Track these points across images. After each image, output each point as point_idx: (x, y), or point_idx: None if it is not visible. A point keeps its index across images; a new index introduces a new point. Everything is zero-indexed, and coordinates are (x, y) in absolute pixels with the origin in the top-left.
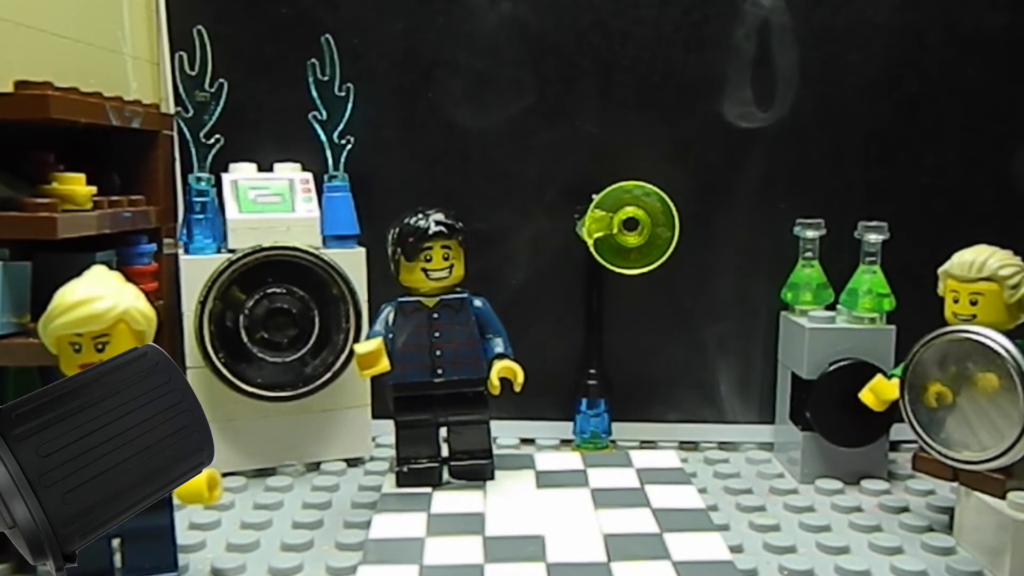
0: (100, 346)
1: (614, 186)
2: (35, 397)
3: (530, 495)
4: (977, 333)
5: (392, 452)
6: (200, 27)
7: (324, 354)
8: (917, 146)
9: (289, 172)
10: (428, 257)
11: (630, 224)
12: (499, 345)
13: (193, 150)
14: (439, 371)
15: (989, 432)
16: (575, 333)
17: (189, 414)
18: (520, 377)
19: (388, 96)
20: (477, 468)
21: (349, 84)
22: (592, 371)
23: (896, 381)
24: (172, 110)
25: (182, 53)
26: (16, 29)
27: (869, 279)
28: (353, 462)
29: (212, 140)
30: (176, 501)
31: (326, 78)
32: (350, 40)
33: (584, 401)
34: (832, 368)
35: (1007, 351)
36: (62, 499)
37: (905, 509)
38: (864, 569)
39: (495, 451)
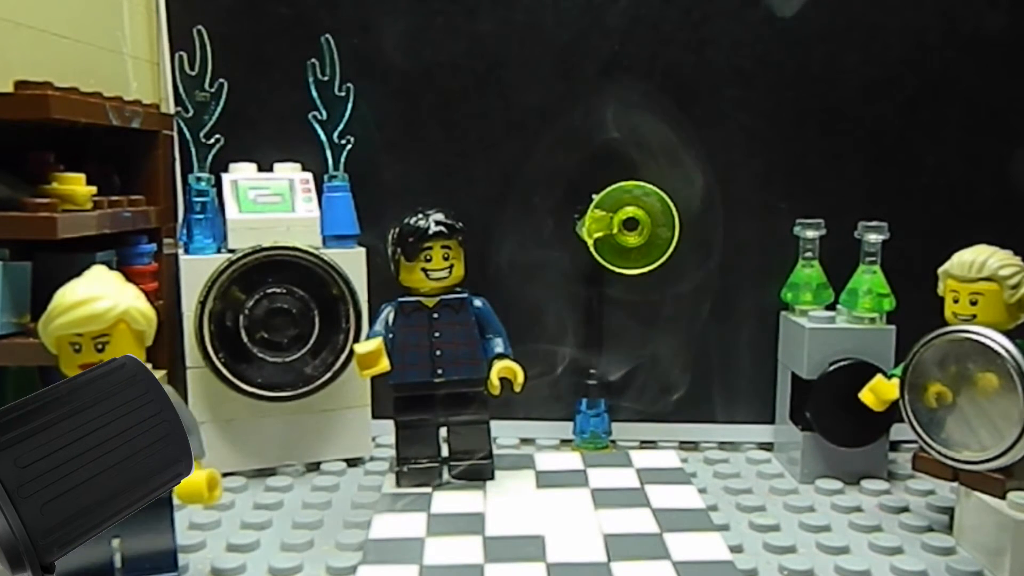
0: (100, 346)
1: (614, 186)
2: (11, 409)
3: (530, 495)
4: (977, 333)
5: (392, 452)
6: (200, 27)
7: (324, 354)
8: (917, 146)
9: (289, 172)
10: (428, 257)
11: (630, 224)
12: (499, 345)
13: (193, 150)
14: (439, 371)
15: (989, 432)
16: (575, 333)
17: (167, 424)
18: (520, 377)
19: (388, 96)
20: (477, 468)
21: (349, 84)
22: (592, 371)
23: (896, 381)
24: (172, 110)
25: (182, 53)
26: (16, 29)
27: (869, 279)
28: (353, 462)
29: (212, 140)
30: (176, 501)
31: (326, 78)
32: (350, 40)
33: (584, 401)
34: (832, 368)
35: (1007, 351)
36: (40, 510)
37: (905, 509)
38: (864, 569)
39: (495, 451)
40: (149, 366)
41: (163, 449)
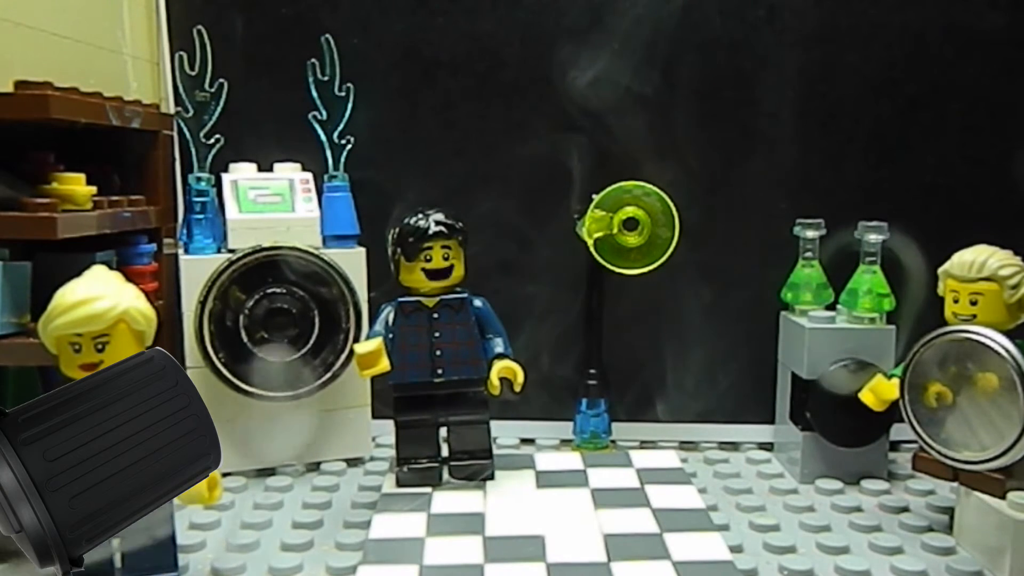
0: (100, 346)
1: (614, 186)
2: (42, 401)
3: (530, 495)
4: (977, 333)
5: (392, 452)
6: (200, 27)
7: (324, 354)
8: (917, 146)
9: (289, 172)
10: (428, 257)
11: (630, 224)
12: (499, 345)
13: (193, 150)
14: (439, 371)
15: (989, 432)
16: (575, 333)
17: (195, 418)
18: (520, 377)
19: (388, 96)
20: (477, 468)
21: (349, 84)
22: (592, 371)
23: (896, 381)
24: (172, 110)
25: (182, 53)
26: (16, 29)
27: (869, 279)
28: (353, 462)
29: (212, 140)
30: (176, 501)
31: (326, 78)
32: (350, 40)
33: (584, 401)
34: (832, 368)
35: (1007, 351)
36: (69, 503)
37: (905, 509)
38: (864, 569)
39: (495, 451)
40: None
41: (191, 443)
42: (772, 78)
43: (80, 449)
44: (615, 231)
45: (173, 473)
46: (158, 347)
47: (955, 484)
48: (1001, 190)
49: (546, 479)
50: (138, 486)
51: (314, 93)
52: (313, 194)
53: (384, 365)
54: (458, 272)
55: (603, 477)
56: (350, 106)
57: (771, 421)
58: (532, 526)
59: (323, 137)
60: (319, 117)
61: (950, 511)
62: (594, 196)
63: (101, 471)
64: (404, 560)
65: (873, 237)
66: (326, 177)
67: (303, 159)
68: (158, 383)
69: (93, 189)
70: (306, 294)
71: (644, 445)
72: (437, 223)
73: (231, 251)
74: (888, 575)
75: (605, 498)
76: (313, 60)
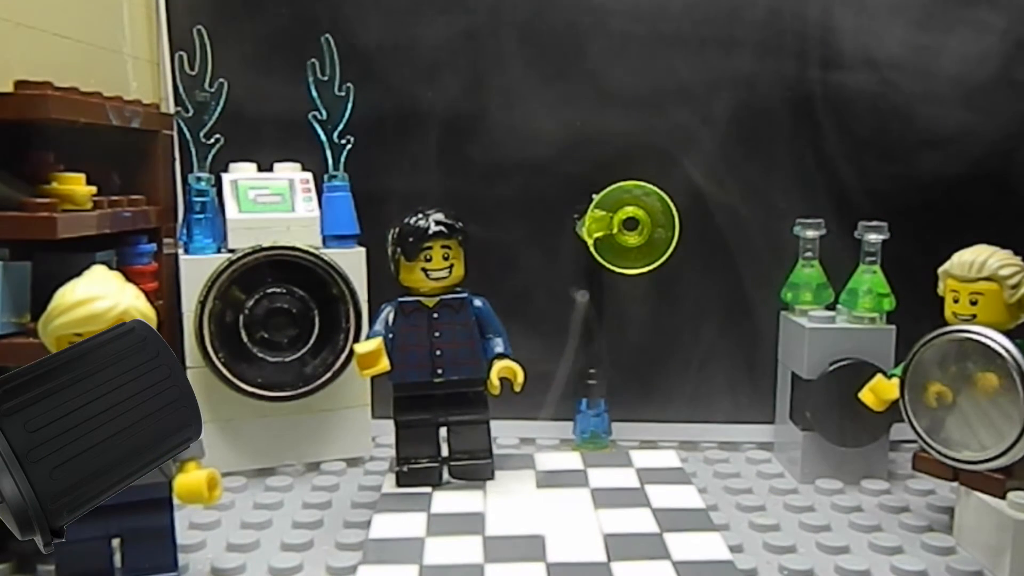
0: None
1: (614, 186)
2: (22, 372)
3: (530, 495)
4: (977, 333)
5: (392, 452)
6: (200, 27)
7: (324, 354)
8: (917, 146)
9: (289, 172)
10: (428, 257)
11: (630, 224)
12: (499, 345)
13: (193, 150)
14: (439, 371)
15: (989, 432)
16: (575, 333)
17: (176, 389)
18: (520, 377)
19: (388, 96)
20: (477, 468)
21: (349, 84)
22: (592, 371)
23: (896, 381)
24: (172, 110)
25: (182, 53)
26: (16, 29)
27: (869, 279)
28: (353, 462)
29: (212, 140)
30: (176, 501)
31: (326, 78)
32: (350, 40)
33: (584, 401)
34: (832, 368)
35: (1007, 351)
36: (50, 474)
37: (905, 509)
38: (864, 569)
39: (495, 451)
40: None
41: (172, 413)
42: (772, 78)
43: (61, 420)
44: (615, 231)
45: (155, 444)
46: (138, 319)
47: (955, 484)
48: (1001, 190)
49: (546, 479)
50: (120, 457)
51: (314, 93)
52: (313, 194)
53: (384, 365)
54: (458, 272)
55: (603, 477)
56: (350, 106)
57: (771, 421)
58: (532, 526)
59: (323, 137)
60: (319, 117)
61: (950, 511)
62: (594, 196)
63: (82, 442)
64: (404, 560)
65: (873, 237)
66: (326, 177)
67: (303, 159)
68: (139, 354)
69: (93, 189)
70: (306, 294)
71: (644, 445)
72: (437, 223)
73: (231, 251)
74: (888, 575)
75: (605, 498)
76: (313, 60)
